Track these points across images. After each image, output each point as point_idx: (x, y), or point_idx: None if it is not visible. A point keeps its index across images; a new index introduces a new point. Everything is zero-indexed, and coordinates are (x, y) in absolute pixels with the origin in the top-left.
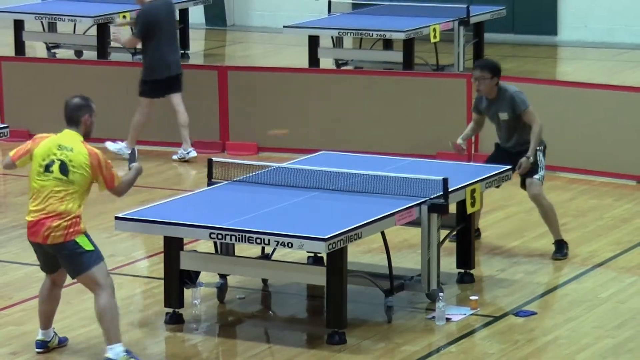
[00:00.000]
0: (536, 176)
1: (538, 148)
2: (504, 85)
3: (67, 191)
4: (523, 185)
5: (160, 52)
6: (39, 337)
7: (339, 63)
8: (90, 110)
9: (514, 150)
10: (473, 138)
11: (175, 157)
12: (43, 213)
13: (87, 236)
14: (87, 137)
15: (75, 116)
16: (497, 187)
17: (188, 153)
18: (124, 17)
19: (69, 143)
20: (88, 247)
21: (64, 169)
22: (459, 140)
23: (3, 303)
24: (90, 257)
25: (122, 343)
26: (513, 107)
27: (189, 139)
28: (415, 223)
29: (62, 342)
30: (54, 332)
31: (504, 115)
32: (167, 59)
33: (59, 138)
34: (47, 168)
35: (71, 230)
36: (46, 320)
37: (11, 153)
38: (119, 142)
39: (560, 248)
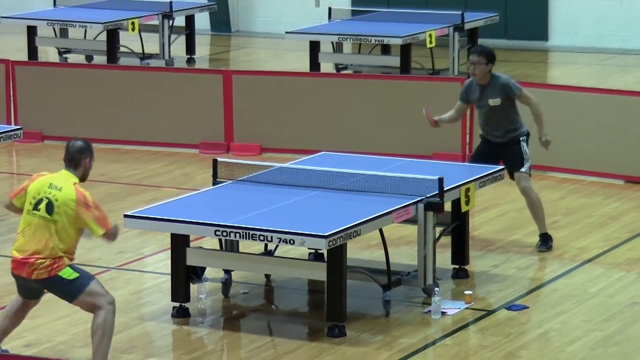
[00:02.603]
0: (523, 169)
1: (521, 138)
2: (495, 73)
3: (50, 231)
4: (512, 176)
5: None
6: None
7: (338, 67)
8: (92, 155)
9: (500, 141)
10: (467, 139)
11: None
12: (28, 253)
13: (71, 266)
14: (83, 181)
15: (77, 158)
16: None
17: None
18: None
19: (59, 183)
20: (72, 276)
21: (49, 207)
22: (436, 117)
23: None
24: (76, 285)
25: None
26: (507, 92)
27: None
28: (412, 221)
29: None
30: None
31: (496, 101)
32: None
33: (52, 177)
34: (36, 206)
35: (55, 266)
36: (1, 335)
37: (12, 193)
38: None
39: (545, 241)
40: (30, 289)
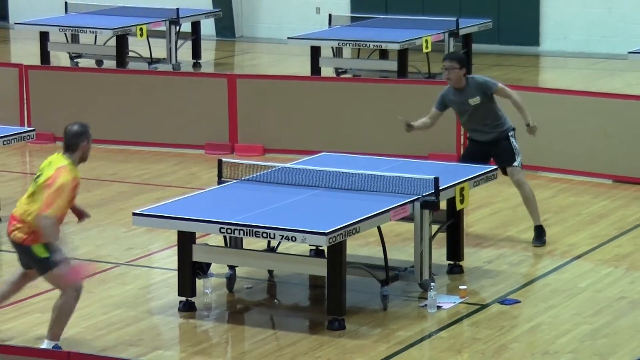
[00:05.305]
0: (515, 163)
1: (510, 134)
2: (470, 75)
3: (32, 202)
4: (504, 172)
5: None
6: None
7: (338, 71)
8: (88, 137)
9: (487, 139)
10: (462, 140)
11: None
12: (16, 213)
13: (44, 245)
14: (84, 161)
15: (74, 143)
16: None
17: None
18: None
19: (53, 161)
20: (42, 254)
21: (39, 178)
22: (415, 124)
23: (30, 292)
24: (46, 264)
25: (60, 342)
26: (484, 90)
27: None
28: (408, 219)
29: None
30: None
31: (475, 100)
32: None
33: (52, 156)
34: (36, 178)
35: (29, 237)
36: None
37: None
38: None
39: (540, 235)
40: (20, 256)
